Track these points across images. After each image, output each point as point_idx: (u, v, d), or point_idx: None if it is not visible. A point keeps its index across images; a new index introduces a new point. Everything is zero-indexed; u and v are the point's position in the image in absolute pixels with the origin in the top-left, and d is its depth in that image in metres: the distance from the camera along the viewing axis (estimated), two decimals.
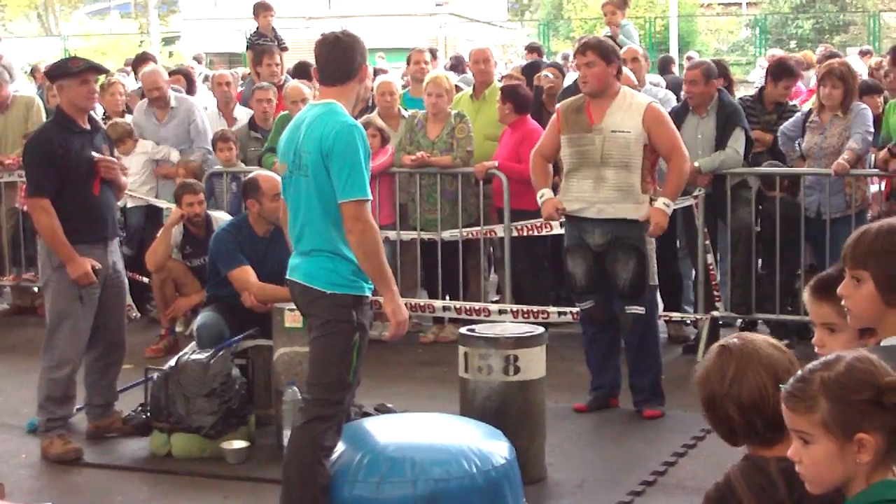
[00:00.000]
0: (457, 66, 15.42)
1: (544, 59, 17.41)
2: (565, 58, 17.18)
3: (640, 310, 7.96)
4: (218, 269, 8.29)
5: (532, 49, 18.27)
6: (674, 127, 8.03)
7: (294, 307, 6.15)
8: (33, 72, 17.51)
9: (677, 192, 8.03)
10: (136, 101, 12.21)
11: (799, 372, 2.86)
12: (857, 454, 2.74)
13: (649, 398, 8.07)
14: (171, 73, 12.64)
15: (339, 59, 5.70)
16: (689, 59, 20.01)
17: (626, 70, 9.68)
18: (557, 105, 8.36)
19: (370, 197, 5.56)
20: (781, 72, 10.22)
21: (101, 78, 10.67)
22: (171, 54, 33.65)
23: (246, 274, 8.09)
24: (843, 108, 9.32)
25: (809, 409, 2.77)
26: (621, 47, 9.61)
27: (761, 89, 10.36)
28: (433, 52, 12.96)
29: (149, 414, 7.59)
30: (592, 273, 8.00)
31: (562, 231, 8.70)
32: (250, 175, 8.81)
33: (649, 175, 7.92)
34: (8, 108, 11.33)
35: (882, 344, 3.26)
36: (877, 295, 3.27)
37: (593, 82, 7.83)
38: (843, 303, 3.37)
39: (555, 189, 8.46)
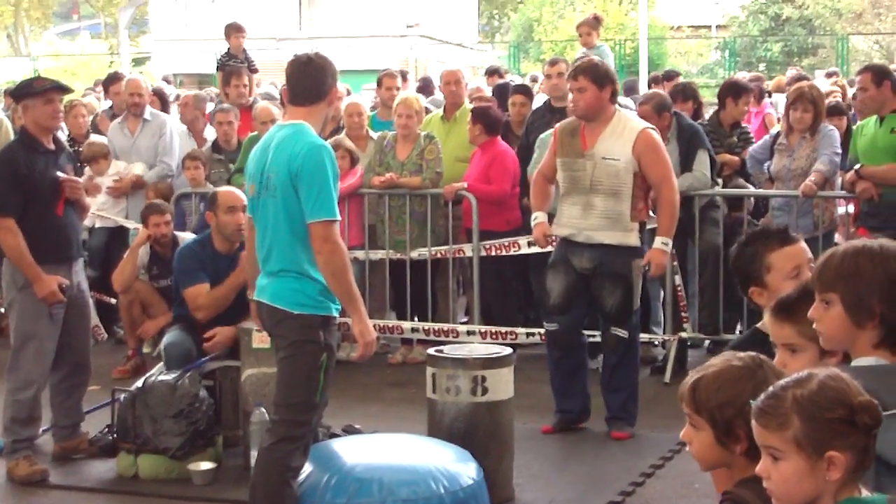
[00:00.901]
0: (425, 87, 15.47)
1: (512, 80, 17.47)
2: (534, 79, 17.21)
3: (623, 333, 7.95)
4: None
5: (492, 73, 18.33)
6: (666, 156, 7.92)
7: (261, 328, 6.14)
8: (4, 92, 17.47)
9: (672, 227, 7.94)
10: (106, 122, 12.20)
11: (770, 388, 2.87)
12: (827, 472, 2.75)
13: (619, 416, 8.06)
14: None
15: (309, 80, 5.72)
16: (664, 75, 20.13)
17: None
18: (556, 126, 8.27)
19: (339, 218, 5.58)
20: (740, 90, 10.35)
21: (66, 98, 10.66)
22: (141, 73, 33.54)
23: (197, 292, 8.14)
24: (811, 130, 9.39)
25: (781, 425, 2.78)
26: None
27: (717, 112, 10.44)
28: (404, 75, 12.96)
29: (115, 435, 7.56)
30: (570, 292, 7.97)
31: (531, 251, 8.72)
32: (214, 190, 8.88)
33: (641, 202, 7.87)
34: None
35: (853, 364, 3.28)
36: (846, 317, 3.29)
37: (583, 107, 7.78)
38: (814, 326, 3.39)
39: (525, 212, 8.48)
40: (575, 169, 7.86)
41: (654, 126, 8.14)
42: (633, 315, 8.00)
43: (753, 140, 10.47)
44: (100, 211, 11.07)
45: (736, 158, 10.08)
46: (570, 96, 7.94)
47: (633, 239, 7.84)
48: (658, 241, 7.86)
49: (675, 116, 9.57)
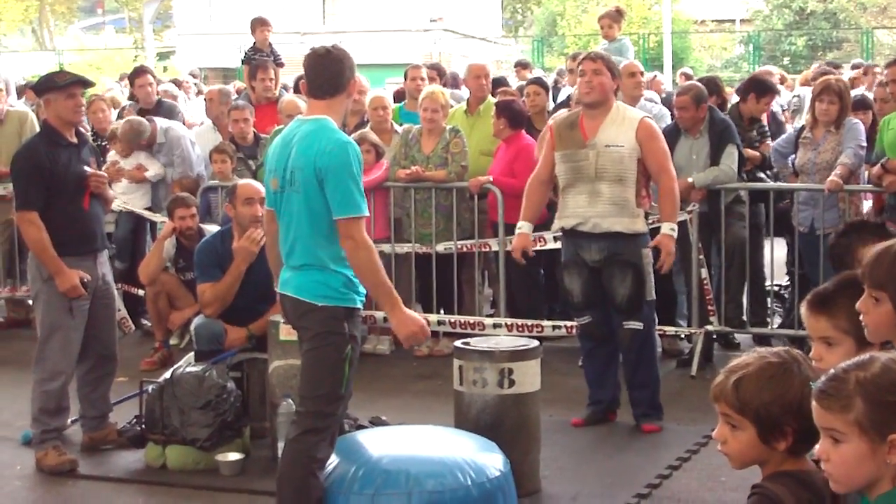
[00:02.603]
0: (452, 83, 15.43)
1: (534, 74, 17.46)
2: (560, 73, 17.17)
3: (637, 325, 7.95)
4: None
5: (524, 66, 18.30)
6: (665, 146, 7.99)
7: (286, 321, 6.15)
8: (27, 87, 17.53)
9: (676, 212, 7.99)
10: (132, 114, 12.22)
11: (832, 370, 2.85)
12: (888, 455, 2.74)
13: (648, 412, 8.06)
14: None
15: (328, 73, 5.69)
16: (683, 75, 20.11)
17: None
18: (550, 121, 8.35)
19: (366, 214, 5.56)
20: (766, 88, 10.33)
21: (87, 93, 10.70)
22: (165, 69, 33.63)
23: (205, 289, 8.30)
24: (836, 123, 9.36)
25: (844, 408, 2.76)
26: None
27: (737, 106, 10.41)
28: (439, 70, 12.84)
29: (144, 426, 7.58)
30: (589, 289, 8.00)
31: (557, 245, 8.71)
32: (234, 184, 8.92)
33: (644, 189, 7.93)
34: (2, 123, 11.32)
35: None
36: (894, 315, 3.29)
37: (599, 90, 7.80)
38: (861, 318, 3.38)
39: (552, 207, 8.48)
40: (577, 160, 7.88)
41: (651, 116, 8.21)
42: (646, 305, 8.00)
43: (770, 136, 10.44)
44: (124, 194, 11.11)
45: (757, 153, 10.05)
46: (582, 80, 7.88)
47: (640, 225, 7.88)
48: (665, 227, 7.89)
49: (708, 110, 9.56)
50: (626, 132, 7.81)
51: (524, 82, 12.93)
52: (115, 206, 10.50)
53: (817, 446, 2.86)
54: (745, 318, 9.93)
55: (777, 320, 10.36)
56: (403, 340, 5.65)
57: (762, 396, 3.10)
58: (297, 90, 12.29)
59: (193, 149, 11.54)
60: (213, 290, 8.25)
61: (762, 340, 9.52)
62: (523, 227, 8.15)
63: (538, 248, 9.79)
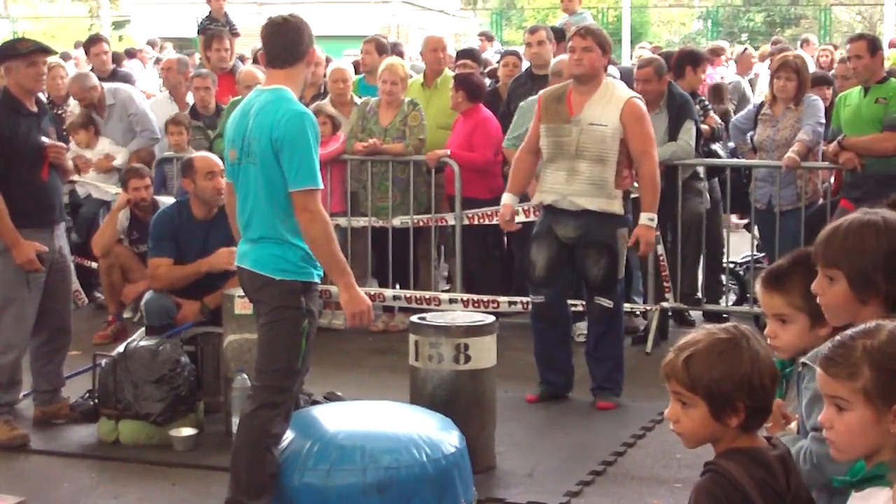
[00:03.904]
0: (397, 54, 15.36)
1: (496, 47, 17.44)
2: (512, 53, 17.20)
3: (608, 303, 7.94)
4: None
5: (486, 37, 18.26)
6: (651, 130, 7.92)
7: (243, 294, 6.13)
8: None
9: (655, 201, 7.93)
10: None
11: (838, 338, 2.86)
12: (893, 423, 2.75)
13: (604, 387, 8.06)
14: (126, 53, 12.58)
15: (286, 42, 5.69)
16: (642, 48, 20.12)
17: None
18: (540, 93, 8.25)
19: (321, 186, 5.56)
20: (698, 58, 10.38)
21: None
22: (120, 38, 33.32)
23: (159, 263, 8.21)
24: (795, 100, 9.38)
25: (851, 375, 2.77)
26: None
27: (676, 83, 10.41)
28: (376, 42, 12.67)
29: (97, 400, 7.53)
30: (553, 264, 7.96)
31: (525, 219, 8.69)
32: (188, 156, 8.80)
33: (626, 170, 7.86)
34: None
35: None
36: (850, 293, 3.29)
37: (588, 65, 7.74)
38: (818, 300, 3.38)
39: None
40: (560, 135, 7.83)
41: (640, 95, 8.12)
42: (618, 284, 8.00)
43: (711, 109, 10.44)
44: (95, 181, 10.99)
45: (706, 127, 10.04)
46: (572, 55, 7.84)
47: (616, 206, 7.82)
48: (644, 218, 7.86)
49: (668, 84, 9.56)
50: (612, 111, 7.74)
51: (486, 55, 12.96)
52: (82, 190, 10.45)
53: (822, 415, 2.85)
54: (700, 295, 9.96)
55: (732, 297, 10.40)
56: (349, 318, 5.65)
57: (713, 373, 3.08)
58: (255, 61, 12.24)
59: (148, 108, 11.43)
60: (168, 274, 8.14)
61: (719, 318, 9.54)
62: (506, 198, 8.12)
63: (495, 221, 9.75)
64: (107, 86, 11.43)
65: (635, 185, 8.05)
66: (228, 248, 7.80)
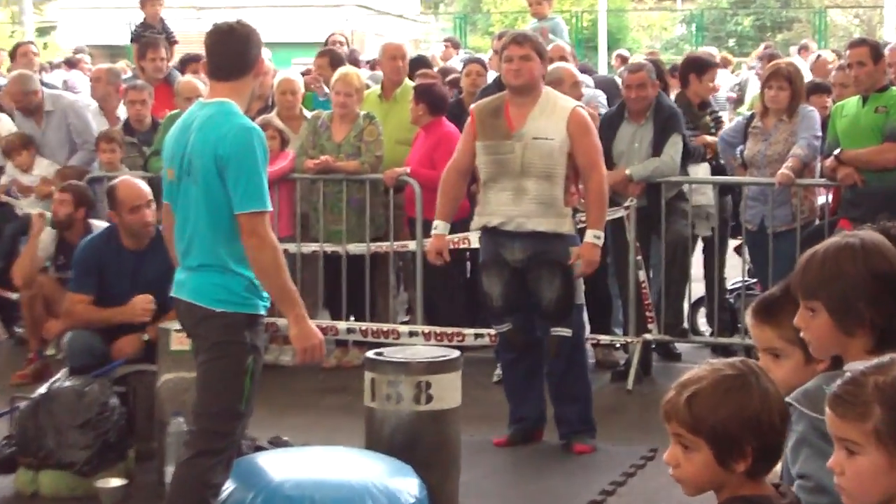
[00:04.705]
0: (354, 62, 15.35)
1: (462, 55, 17.45)
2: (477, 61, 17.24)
3: (566, 332, 7.93)
4: None
5: (452, 43, 18.30)
6: (597, 140, 7.99)
7: (180, 328, 6.08)
8: None
9: (602, 217, 7.98)
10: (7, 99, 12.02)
11: (848, 374, 2.83)
12: None
13: (579, 430, 8.04)
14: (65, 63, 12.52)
15: (233, 52, 5.68)
16: (619, 58, 20.22)
17: (568, 65, 9.77)
18: (472, 106, 8.32)
19: (269, 208, 5.55)
20: (703, 65, 10.41)
21: None
22: (45, 46, 33.25)
23: (77, 300, 8.09)
24: (788, 111, 9.39)
25: (861, 416, 2.74)
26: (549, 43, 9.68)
27: (683, 94, 10.46)
28: (331, 55, 12.61)
29: (15, 448, 7.45)
30: (510, 292, 7.97)
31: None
32: (110, 184, 8.62)
33: (573, 185, 7.92)
34: None
35: (845, 369, 3.25)
36: (833, 324, 3.28)
37: (528, 76, 7.77)
38: (801, 335, 3.37)
39: (473, 200, 8.45)
40: (501, 152, 7.84)
41: (583, 104, 8.21)
42: (576, 310, 8.01)
43: (723, 120, 10.51)
44: (34, 205, 10.82)
45: (716, 140, 10.08)
46: (509, 65, 7.84)
47: (567, 226, 7.88)
48: (590, 235, 7.85)
49: (656, 96, 9.58)
50: (557, 123, 7.77)
51: (451, 62, 12.97)
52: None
53: (832, 459, 2.83)
54: (685, 325, 9.97)
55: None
56: (298, 353, 5.63)
57: (718, 413, 3.06)
58: (184, 71, 12.18)
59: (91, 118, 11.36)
60: (83, 314, 8.03)
61: (727, 353, 9.51)
62: (439, 226, 8.14)
63: (463, 247, 9.77)
64: (47, 91, 11.39)
65: (583, 200, 8.08)
66: (144, 297, 7.78)
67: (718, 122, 10.40)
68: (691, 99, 10.34)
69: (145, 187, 7.98)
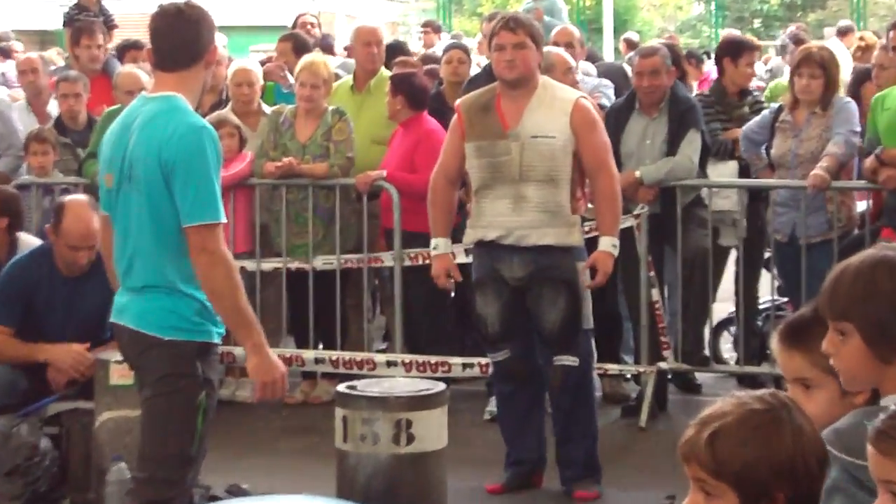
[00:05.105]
0: (326, 48, 15.37)
1: (445, 41, 17.48)
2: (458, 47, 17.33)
3: (572, 361, 7.90)
4: None
5: (433, 28, 18.31)
6: (605, 135, 8.00)
7: (122, 359, 6.08)
8: None
9: (617, 222, 7.99)
10: None
11: (892, 407, 2.84)
12: None
13: (583, 475, 8.02)
14: None
15: (180, 38, 5.68)
16: (626, 42, 20.27)
17: (559, 50, 9.76)
18: (457, 102, 8.30)
19: (223, 220, 5.54)
20: (739, 47, 10.40)
21: None
22: None
23: None
24: (822, 103, 9.38)
25: None
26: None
27: (719, 80, 10.48)
28: (296, 41, 12.65)
29: None
30: (508, 315, 7.94)
31: (468, 260, 8.69)
32: (62, 200, 8.53)
33: (580, 189, 7.92)
34: None
35: (882, 403, 3.26)
36: (867, 350, 3.28)
37: (522, 68, 7.76)
38: (830, 362, 3.37)
39: (462, 207, 8.45)
40: (496, 154, 7.83)
41: (587, 94, 8.24)
42: (583, 335, 7.99)
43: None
44: None
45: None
46: (500, 54, 7.82)
47: (576, 236, 7.87)
48: (605, 243, 7.86)
49: (671, 86, 9.58)
50: (559, 118, 7.76)
51: (432, 50, 12.99)
52: None
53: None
54: (706, 352, 9.98)
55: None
56: (258, 388, 5.63)
57: (745, 455, 3.06)
58: (122, 59, 12.17)
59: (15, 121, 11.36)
60: (2, 348, 8.01)
61: (754, 384, 9.52)
62: (439, 244, 8.09)
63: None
64: None
65: (590, 206, 8.09)
66: (76, 350, 7.73)
67: (761, 111, 10.28)
68: (727, 87, 10.33)
69: (95, 224, 7.50)
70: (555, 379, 7.97)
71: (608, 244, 7.85)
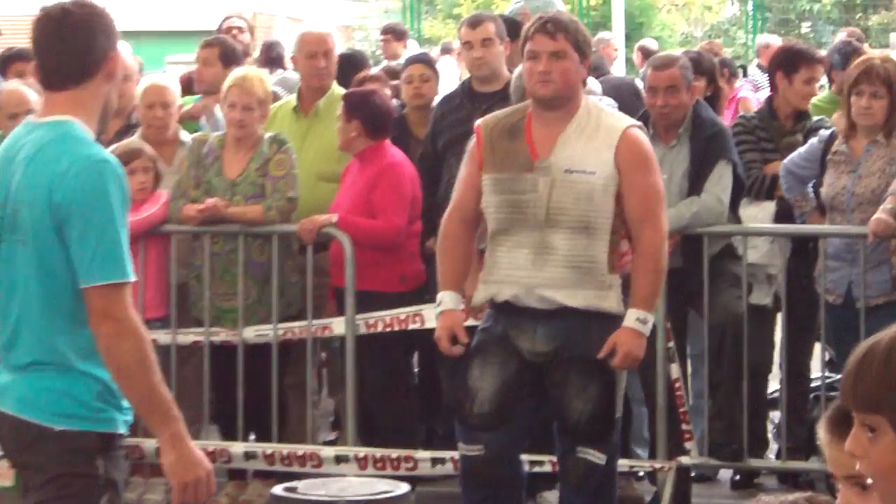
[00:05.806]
0: (273, 60, 15.42)
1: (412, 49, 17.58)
2: (446, 50, 17.37)
3: (598, 458, 7.83)
4: None
5: (394, 34, 18.37)
6: (659, 177, 7.95)
7: (2, 454, 6.09)
8: None
9: (656, 293, 7.97)
10: None
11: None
12: None
13: None
14: None
15: (70, 47, 5.62)
16: (640, 51, 20.36)
17: None
18: (478, 122, 8.21)
19: (131, 278, 5.53)
20: (795, 59, 10.36)
21: None
22: None
23: None
24: (885, 129, 9.38)
25: None
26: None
27: (770, 101, 10.45)
28: (269, 48, 12.76)
29: None
30: (508, 394, 7.87)
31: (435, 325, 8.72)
32: None
33: (625, 243, 7.90)
34: None
35: None
36: None
37: (560, 83, 7.73)
38: (857, 467, 3.41)
39: (431, 259, 8.45)
40: (519, 190, 7.80)
41: (640, 124, 8.19)
42: (614, 428, 7.98)
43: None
44: None
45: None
46: (533, 65, 7.79)
47: (613, 301, 7.79)
48: (632, 317, 7.76)
49: (694, 104, 9.63)
50: (602, 150, 7.73)
51: (398, 62, 13.04)
52: None
53: None
54: (744, 444, 10.02)
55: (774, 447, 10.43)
56: (176, 490, 5.61)
57: None
58: (5, 74, 12.20)
59: None
60: None
61: (790, 480, 9.56)
62: (445, 299, 8.00)
63: (411, 327, 9.75)
64: None
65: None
66: None
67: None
68: (779, 107, 10.33)
69: None
70: (573, 472, 7.93)
71: (635, 320, 7.73)
